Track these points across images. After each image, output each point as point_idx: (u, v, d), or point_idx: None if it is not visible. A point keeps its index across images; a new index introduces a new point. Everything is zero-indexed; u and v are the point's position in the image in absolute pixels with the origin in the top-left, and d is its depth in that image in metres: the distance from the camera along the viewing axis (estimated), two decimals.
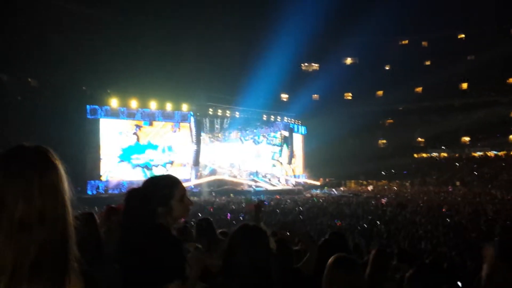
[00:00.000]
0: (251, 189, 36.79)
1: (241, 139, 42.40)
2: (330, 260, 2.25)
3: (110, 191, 30.50)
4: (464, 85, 57.59)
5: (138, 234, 1.95)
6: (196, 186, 35.21)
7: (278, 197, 31.57)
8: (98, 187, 31.40)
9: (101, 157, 32.22)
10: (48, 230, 1.15)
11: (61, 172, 1.23)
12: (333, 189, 40.04)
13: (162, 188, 2.07)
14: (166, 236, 1.99)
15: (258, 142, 43.90)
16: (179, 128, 36.67)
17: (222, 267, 1.94)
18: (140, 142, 34.42)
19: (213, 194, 33.66)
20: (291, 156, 44.80)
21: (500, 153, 47.31)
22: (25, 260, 1.10)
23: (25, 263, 1.10)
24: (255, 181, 39.69)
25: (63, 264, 1.17)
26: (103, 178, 32.07)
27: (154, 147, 35.07)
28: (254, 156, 42.33)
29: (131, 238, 1.97)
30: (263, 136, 44.31)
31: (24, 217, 1.12)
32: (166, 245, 1.95)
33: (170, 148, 35.98)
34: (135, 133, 34.24)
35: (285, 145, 45.16)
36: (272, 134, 45.04)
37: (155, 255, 1.88)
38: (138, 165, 33.89)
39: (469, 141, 52.20)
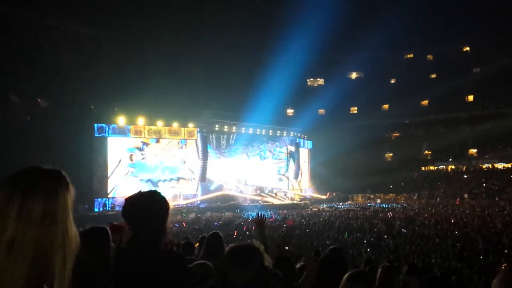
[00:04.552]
0: (258, 204, 36.69)
1: (247, 155, 42.43)
2: (346, 276, 2.23)
3: (117, 208, 30.49)
4: (470, 98, 57.42)
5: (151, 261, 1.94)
6: (202, 201, 35.18)
7: (286, 212, 31.38)
8: (105, 204, 31.49)
9: (108, 174, 32.39)
10: (16, 257, 1.04)
11: (59, 198, 1.13)
12: (340, 203, 39.87)
13: (165, 204, 2.08)
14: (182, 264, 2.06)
15: (264, 158, 43.91)
16: (185, 145, 36.83)
17: None
18: (147, 159, 34.55)
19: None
20: (297, 170, 44.71)
21: (508, 165, 46.89)
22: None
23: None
24: (262, 196, 39.61)
25: None
26: (110, 195, 32.18)
27: (161, 163, 35.17)
28: (260, 171, 42.30)
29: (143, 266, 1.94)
30: (269, 151, 44.32)
31: None
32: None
33: (176, 165, 36.06)
34: (142, 150, 34.39)
35: (291, 160, 45.12)
36: (278, 149, 45.05)
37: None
38: (145, 181, 33.98)
39: (477, 153, 51.86)
